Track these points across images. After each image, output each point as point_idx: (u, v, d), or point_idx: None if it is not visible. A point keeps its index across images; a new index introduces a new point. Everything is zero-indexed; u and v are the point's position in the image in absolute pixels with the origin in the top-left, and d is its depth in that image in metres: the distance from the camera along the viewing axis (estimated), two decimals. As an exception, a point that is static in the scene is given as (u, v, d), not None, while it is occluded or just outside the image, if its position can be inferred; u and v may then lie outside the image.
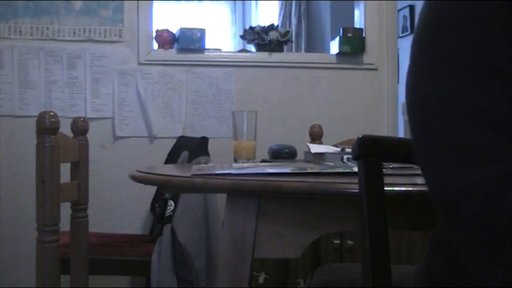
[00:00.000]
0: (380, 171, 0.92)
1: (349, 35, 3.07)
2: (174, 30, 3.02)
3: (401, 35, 5.71)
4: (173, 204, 2.28)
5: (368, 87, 3.12)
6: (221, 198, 1.78)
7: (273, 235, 1.17)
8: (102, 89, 2.92)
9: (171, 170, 1.75)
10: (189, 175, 1.19)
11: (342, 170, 1.27)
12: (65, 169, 1.79)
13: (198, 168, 1.41)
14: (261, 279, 2.56)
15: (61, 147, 1.67)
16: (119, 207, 2.93)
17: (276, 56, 3.07)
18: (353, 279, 1.51)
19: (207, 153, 2.50)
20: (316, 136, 2.26)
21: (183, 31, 2.96)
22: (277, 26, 3.20)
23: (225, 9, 5.90)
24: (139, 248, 2.35)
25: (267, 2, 5.71)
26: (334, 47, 3.15)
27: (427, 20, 0.63)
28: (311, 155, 1.66)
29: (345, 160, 1.54)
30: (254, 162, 1.66)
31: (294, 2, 5.51)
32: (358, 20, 3.23)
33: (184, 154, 2.42)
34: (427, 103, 0.62)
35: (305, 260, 2.49)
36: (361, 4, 3.19)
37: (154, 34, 3.00)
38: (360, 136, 0.94)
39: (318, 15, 5.47)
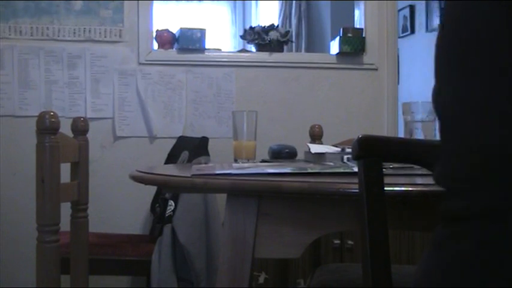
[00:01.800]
0: (380, 171, 0.93)
1: (349, 35, 3.07)
2: (174, 30, 3.02)
3: (401, 35, 5.71)
4: (173, 204, 2.28)
5: (368, 87, 3.12)
6: (221, 198, 1.78)
7: (273, 235, 1.17)
8: (102, 89, 2.92)
9: (171, 170, 1.75)
10: (189, 175, 1.19)
11: (342, 170, 1.27)
12: (65, 169, 1.79)
13: (198, 168, 1.41)
14: (261, 279, 2.56)
15: (61, 147, 1.67)
16: (119, 207, 2.93)
17: (276, 56, 3.07)
18: (353, 279, 1.51)
19: (207, 153, 2.49)
20: (316, 136, 2.25)
21: (183, 31, 2.96)
22: (277, 26, 3.20)
23: (225, 9, 5.90)
24: (139, 248, 2.35)
25: (267, 2, 5.70)
26: (334, 47, 3.15)
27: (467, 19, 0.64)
28: (311, 155, 1.66)
29: (345, 160, 1.54)
30: (254, 162, 1.66)
31: (294, 2, 5.51)
32: (358, 20, 3.23)
33: (185, 154, 2.42)
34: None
35: (305, 260, 2.49)
36: (361, 4, 3.19)
37: (154, 34, 3.00)
38: (360, 136, 0.94)
39: (318, 15, 5.47)
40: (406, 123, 1.63)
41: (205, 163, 2.12)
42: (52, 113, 1.66)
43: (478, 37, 0.66)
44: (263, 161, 1.77)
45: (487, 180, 0.67)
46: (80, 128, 1.94)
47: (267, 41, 3.05)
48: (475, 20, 0.67)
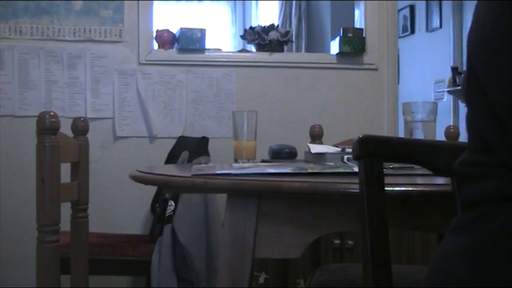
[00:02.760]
0: (380, 171, 0.93)
1: (350, 35, 3.07)
2: (174, 30, 3.02)
3: (401, 35, 5.71)
4: (173, 204, 2.28)
5: (368, 87, 3.12)
6: (221, 198, 1.78)
7: (273, 235, 1.17)
8: (102, 89, 2.92)
9: (171, 170, 1.75)
10: (189, 175, 1.19)
11: (342, 170, 1.27)
12: (65, 169, 1.79)
13: (198, 168, 1.41)
14: (261, 279, 2.56)
15: (61, 148, 1.67)
16: (119, 207, 2.93)
17: (276, 56, 3.07)
18: (353, 279, 1.51)
19: (207, 153, 2.49)
20: (316, 136, 2.25)
21: (183, 31, 2.96)
22: (278, 26, 3.20)
23: (225, 9, 5.90)
24: (139, 248, 2.35)
25: (267, 2, 5.71)
26: (335, 47, 3.15)
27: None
28: (311, 155, 1.66)
29: (345, 160, 1.54)
30: (254, 162, 1.66)
31: (294, 2, 5.51)
32: (359, 20, 3.22)
33: (185, 154, 2.42)
34: None
35: (305, 260, 2.49)
36: (361, 4, 3.19)
37: (154, 34, 3.00)
38: (361, 136, 0.94)
39: (318, 15, 5.47)
40: (406, 123, 1.63)
41: (205, 163, 2.12)
42: (52, 113, 1.66)
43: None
44: (263, 161, 1.77)
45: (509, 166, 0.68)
46: (80, 128, 1.94)
47: (267, 41, 3.05)
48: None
